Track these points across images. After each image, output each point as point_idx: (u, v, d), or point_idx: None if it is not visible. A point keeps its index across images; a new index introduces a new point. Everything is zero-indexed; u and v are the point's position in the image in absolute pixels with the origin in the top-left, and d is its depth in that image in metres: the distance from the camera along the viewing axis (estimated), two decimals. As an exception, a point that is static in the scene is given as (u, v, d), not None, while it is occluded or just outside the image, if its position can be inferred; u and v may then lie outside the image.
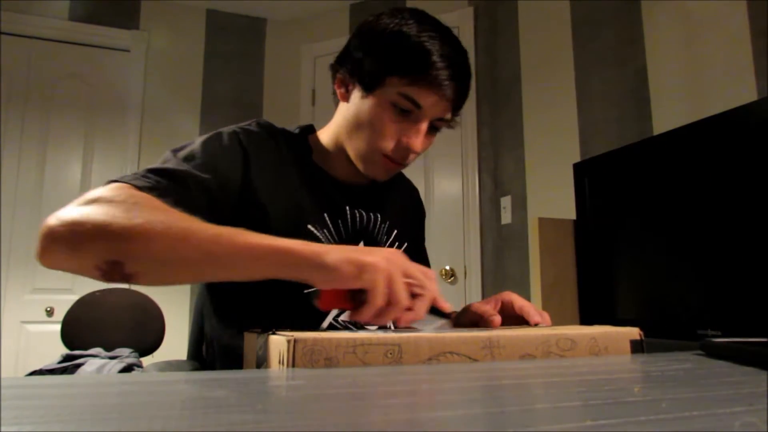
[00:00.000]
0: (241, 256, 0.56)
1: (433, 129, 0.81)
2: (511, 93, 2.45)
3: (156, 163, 0.72)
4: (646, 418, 0.24)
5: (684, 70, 1.68)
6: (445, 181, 2.63)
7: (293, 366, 0.42)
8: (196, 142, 0.77)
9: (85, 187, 2.72)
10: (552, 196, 2.17)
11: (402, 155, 0.79)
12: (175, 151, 0.75)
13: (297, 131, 0.88)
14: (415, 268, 0.58)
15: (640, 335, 0.53)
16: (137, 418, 0.25)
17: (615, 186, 1.54)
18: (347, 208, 0.85)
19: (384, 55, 0.77)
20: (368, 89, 0.78)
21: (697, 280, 1.26)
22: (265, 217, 0.77)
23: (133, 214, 0.57)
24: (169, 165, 0.71)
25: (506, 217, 2.43)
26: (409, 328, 0.59)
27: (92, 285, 2.42)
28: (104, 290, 2.14)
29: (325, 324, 0.79)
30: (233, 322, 0.81)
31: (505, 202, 2.44)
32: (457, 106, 0.81)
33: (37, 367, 1.60)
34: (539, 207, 2.25)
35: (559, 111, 2.18)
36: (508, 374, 0.40)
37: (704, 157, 1.26)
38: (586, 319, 1.60)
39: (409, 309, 0.56)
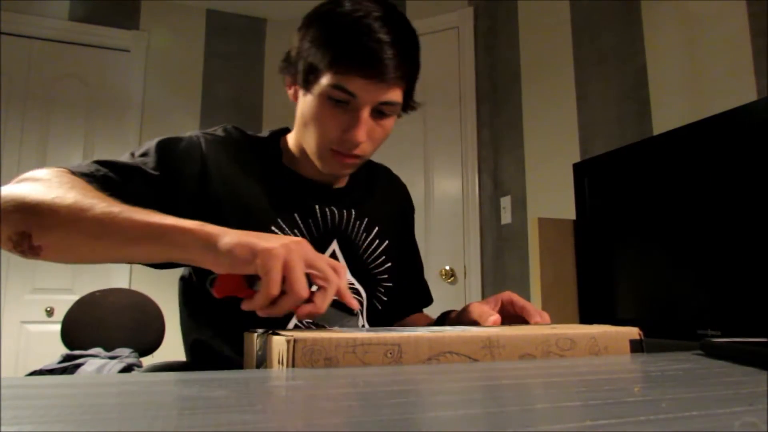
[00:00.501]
0: (133, 232, 0.56)
1: (380, 114, 0.78)
2: (511, 93, 2.45)
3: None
4: (646, 418, 0.24)
5: (684, 70, 1.68)
6: (445, 181, 2.63)
7: (293, 366, 0.42)
8: (154, 141, 0.78)
9: (85, 187, 2.73)
10: (552, 196, 2.17)
11: (348, 147, 0.77)
12: (133, 152, 0.77)
13: (267, 135, 0.89)
14: (321, 260, 0.56)
15: (640, 335, 0.53)
16: (137, 418, 0.25)
17: (615, 186, 1.54)
18: (316, 206, 0.84)
19: (312, 51, 0.76)
20: (306, 87, 0.78)
21: (696, 280, 1.26)
22: (225, 222, 0.76)
23: (51, 191, 0.60)
24: (119, 159, 0.73)
25: (506, 217, 2.43)
26: (317, 325, 0.58)
27: (92, 285, 2.43)
28: (104, 290, 2.14)
29: (291, 324, 0.77)
30: (200, 316, 0.82)
31: (505, 202, 2.44)
32: (401, 85, 0.77)
33: (37, 367, 1.60)
34: (539, 207, 2.25)
35: (558, 111, 2.18)
36: (508, 374, 0.40)
37: (704, 157, 1.26)
38: (586, 319, 1.60)
39: (309, 301, 0.54)
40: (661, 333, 1.23)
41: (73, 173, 0.66)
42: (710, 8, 1.61)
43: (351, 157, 0.79)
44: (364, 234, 0.89)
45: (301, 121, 0.82)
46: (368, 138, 0.78)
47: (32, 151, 2.66)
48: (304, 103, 0.80)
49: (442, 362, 0.46)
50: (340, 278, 0.56)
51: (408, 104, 0.83)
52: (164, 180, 0.74)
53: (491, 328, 0.52)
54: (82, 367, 1.57)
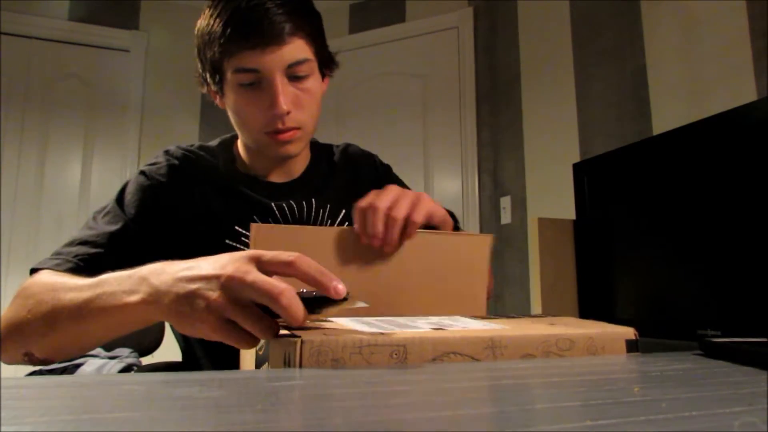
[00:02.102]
0: (104, 320, 0.55)
1: (296, 78, 0.76)
2: (511, 93, 2.45)
3: (79, 230, 0.77)
4: (646, 418, 0.24)
5: (683, 70, 1.68)
6: (445, 181, 2.63)
7: (300, 367, 0.42)
8: (112, 198, 0.80)
9: (84, 187, 2.73)
10: (552, 196, 2.17)
11: (277, 122, 0.76)
12: (96, 213, 0.79)
13: (216, 144, 0.90)
14: (250, 287, 0.45)
15: (635, 335, 0.54)
16: (137, 418, 0.25)
17: (615, 186, 1.54)
18: (273, 204, 0.83)
19: (207, 54, 0.76)
20: (221, 89, 0.79)
21: (696, 280, 1.26)
22: (189, 237, 0.79)
23: (27, 308, 0.62)
24: (86, 232, 0.75)
25: (506, 217, 2.43)
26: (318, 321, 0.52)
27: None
28: (104, 290, 2.14)
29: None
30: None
31: (505, 202, 2.44)
32: (301, 39, 0.74)
33: (37, 367, 1.59)
34: (539, 207, 2.25)
35: (558, 111, 2.18)
36: (508, 374, 0.40)
37: (704, 157, 1.26)
38: (585, 319, 1.60)
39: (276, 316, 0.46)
40: (660, 333, 1.23)
41: (53, 268, 0.69)
42: (710, 8, 1.61)
43: (287, 132, 0.77)
44: (329, 221, 0.87)
45: (233, 122, 0.82)
46: (295, 106, 0.76)
47: (32, 151, 2.66)
48: (227, 104, 0.80)
49: (446, 362, 0.46)
50: (295, 269, 0.46)
51: (325, 59, 0.81)
52: (131, 227, 0.77)
53: (494, 330, 0.52)
54: (82, 367, 1.57)
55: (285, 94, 0.74)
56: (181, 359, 0.92)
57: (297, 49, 0.74)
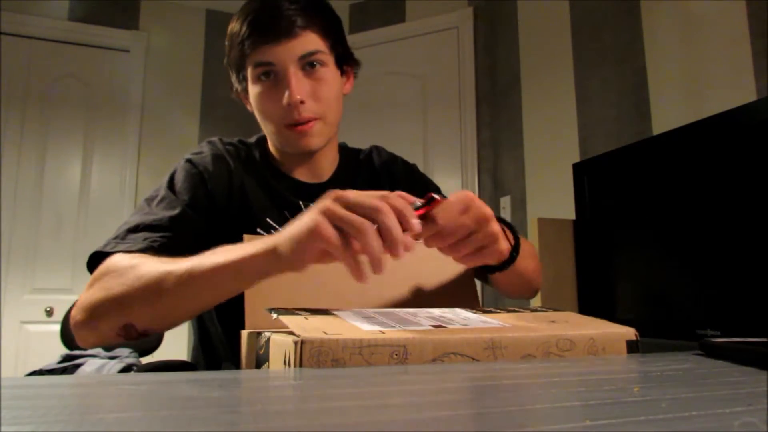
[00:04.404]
0: (214, 281, 0.59)
1: (311, 67, 0.79)
2: (511, 93, 2.45)
3: (132, 216, 0.77)
4: (646, 418, 0.24)
5: (683, 70, 1.68)
6: (445, 181, 2.62)
7: (300, 367, 0.43)
8: (162, 185, 0.82)
9: (84, 187, 2.73)
10: (551, 196, 2.17)
11: (295, 112, 0.78)
12: (149, 200, 0.80)
13: (254, 140, 0.93)
14: (355, 194, 0.53)
15: (636, 335, 0.54)
16: (137, 418, 0.25)
17: (614, 186, 1.54)
18: (301, 203, 0.86)
19: (232, 55, 0.83)
20: (245, 87, 0.84)
21: (696, 280, 1.26)
22: (224, 224, 0.80)
23: (126, 280, 0.64)
24: (146, 218, 0.76)
25: (506, 217, 2.43)
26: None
27: (92, 285, 2.39)
28: (104, 290, 2.14)
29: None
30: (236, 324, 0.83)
31: (505, 202, 2.44)
32: (314, 32, 0.79)
33: (37, 367, 1.59)
34: (539, 207, 2.25)
35: (558, 111, 2.18)
36: (508, 374, 0.40)
37: (703, 158, 1.26)
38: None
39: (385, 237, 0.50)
40: (660, 333, 1.23)
41: (131, 253, 0.70)
42: (710, 8, 1.61)
43: (305, 124, 0.80)
44: None
45: (259, 120, 0.85)
46: (310, 96, 0.79)
47: (32, 151, 2.66)
48: (251, 101, 0.84)
49: (446, 363, 0.46)
50: (384, 216, 0.51)
51: (343, 53, 0.85)
52: (188, 211, 0.78)
53: (494, 329, 0.52)
54: (82, 367, 1.57)
55: (298, 83, 0.77)
56: (184, 358, 0.92)
57: (309, 41, 0.78)
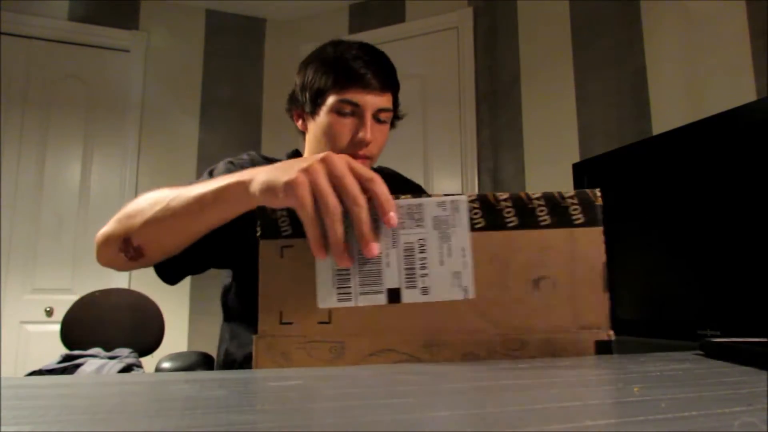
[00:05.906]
0: (197, 204, 0.65)
1: (378, 121, 0.92)
2: (511, 93, 2.45)
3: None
4: (646, 418, 0.24)
5: (683, 71, 1.68)
6: (445, 181, 2.63)
7: (257, 363, 0.48)
8: (204, 174, 0.90)
9: (84, 186, 2.73)
10: (552, 196, 2.17)
11: (360, 147, 0.90)
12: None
13: (286, 157, 0.98)
14: (347, 176, 0.51)
15: (609, 335, 0.48)
16: (137, 418, 0.25)
17: (614, 186, 1.54)
18: None
19: (316, 79, 0.92)
20: (314, 110, 0.93)
21: (696, 280, 1.26)
22: (251, 228, 0.82)
23: (140, 199, 0.73)
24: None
25: (506, 217, 2.43)
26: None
27: (92, 285, 2.42)
28: (103, 291, 2.14)
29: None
30: (234, 325, 0.89)
31: (505, 202, 2.44)
32: (389, 94, 0.93)
33: (37, 367, 1.60)
34: (539, 207, 2.24)
35: (558, 111, 2.18)
36: (507, 374, 0.40)
37: (703, 158, 1.26)
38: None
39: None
40: (660, 333, 1.23)
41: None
42: (710, 8, 1.61)
43: (361, 159, 0.90)
44: None
45: (314, 141, 0.94)
46: (373, 141, 0.91)
47: (32, 151, 2.66)
48: (315, 124, 0.93)
49: (383, 360, 0.48)
50: (359, 209, 0.49)
51: (396, 113, 1.01)
52: None
53: (432, 327, 0.49)
54: (82, 368, 1.57)
55: (372, 129, 0.91)
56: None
57: (386, 100, 0.93)
